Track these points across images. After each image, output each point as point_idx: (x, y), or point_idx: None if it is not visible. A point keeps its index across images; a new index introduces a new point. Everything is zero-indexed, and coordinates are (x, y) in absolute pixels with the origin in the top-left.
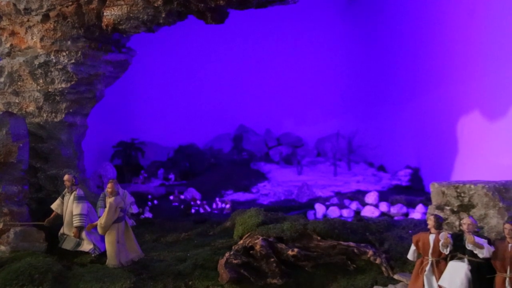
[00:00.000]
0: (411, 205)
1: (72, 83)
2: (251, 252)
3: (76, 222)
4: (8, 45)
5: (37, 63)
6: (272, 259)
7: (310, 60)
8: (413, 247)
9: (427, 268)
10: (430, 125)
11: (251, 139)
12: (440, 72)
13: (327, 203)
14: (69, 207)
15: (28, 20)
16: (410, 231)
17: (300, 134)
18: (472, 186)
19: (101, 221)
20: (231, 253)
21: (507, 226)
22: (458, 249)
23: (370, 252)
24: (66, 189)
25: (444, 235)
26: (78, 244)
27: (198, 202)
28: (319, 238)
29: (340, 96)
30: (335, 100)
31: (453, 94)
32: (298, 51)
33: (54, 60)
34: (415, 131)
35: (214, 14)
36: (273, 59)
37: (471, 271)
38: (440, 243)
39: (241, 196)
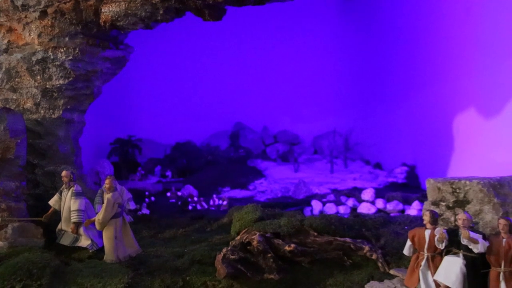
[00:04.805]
0: (407, 202)
1: (70, 79)
2: (248, 247)
3: (74, 218)
4: (5, 41)
5: (35, 60)
6: (269, 255)
7: (307, 58)
8: (409, 243)
9: (423, 263)
10: (426, 123)
11: (248, 137)
12: (435, 70)
13: (324, 200)
14: (67, 203)
15: (25, 17)
16: (406, 227)
17: (297, 132)
18: (467, 182)
19: (99, 217)
20: (228, 248)
21: (502, 221)
22: (453, 244)
23: (366, 248)
24: (64, 185)
25: (440, 231)
26: (76, 240)
27: (195, 198)
28: (315, 234)
29: (336, 94)
30: (332, 98)
31: (449, 92)
32: (295, 49)
33: (51, 57)
34: (411, 129)
35: (212, 11)
36: (270, 57)
37: (466, 265)
38: (436, 238)
39: (238, 193)
